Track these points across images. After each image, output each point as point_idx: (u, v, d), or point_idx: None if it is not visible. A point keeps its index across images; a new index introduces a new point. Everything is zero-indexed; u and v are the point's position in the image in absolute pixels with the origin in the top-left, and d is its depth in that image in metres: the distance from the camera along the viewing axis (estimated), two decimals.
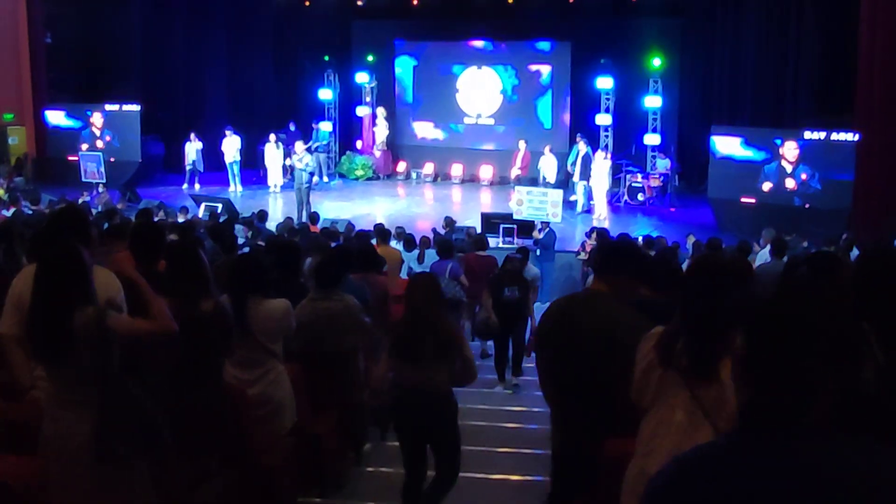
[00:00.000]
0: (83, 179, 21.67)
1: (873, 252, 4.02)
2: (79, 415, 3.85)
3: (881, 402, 3.21)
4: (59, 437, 3.87)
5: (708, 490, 1.76)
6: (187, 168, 23.98)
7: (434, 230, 16.79)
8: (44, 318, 3.88)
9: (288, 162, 22.85)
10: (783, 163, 19.37)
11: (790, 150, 19.28)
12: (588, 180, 21.73)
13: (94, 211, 16.51)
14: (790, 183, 19.28)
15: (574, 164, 21.95)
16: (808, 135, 19.08)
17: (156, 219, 14.52)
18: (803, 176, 19.11)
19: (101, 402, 3.83)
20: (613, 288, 4.41)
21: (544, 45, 26.26)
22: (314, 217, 17.59)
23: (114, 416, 3.83)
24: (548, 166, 22.23)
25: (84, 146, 23.76)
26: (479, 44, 26.81)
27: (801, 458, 1.74)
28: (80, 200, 18.35)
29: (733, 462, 1.78)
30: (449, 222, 17.20)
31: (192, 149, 23.89)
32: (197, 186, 23.64)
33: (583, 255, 15.96)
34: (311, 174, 21.06)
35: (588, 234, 16.75)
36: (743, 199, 19.64)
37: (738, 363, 1.89)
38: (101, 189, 20.75)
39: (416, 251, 13.92)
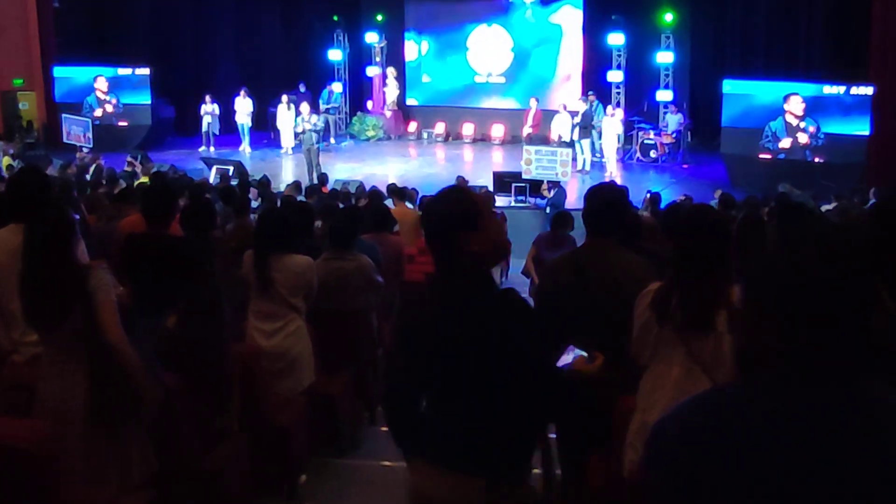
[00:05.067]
0: (65, 141, 22.01)
1: (886, 203, 3.99)
2: (74, 377, 3.85)
3: (893, 351, 3.19)
4: (56, 399, 3.87)
5: (711, 433, 1.73)
6: (203, 132, 23.96)
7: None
8: (36, 282, 3.88)
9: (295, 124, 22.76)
10: (788, 117, 19.20)
11: (795, 104, 19.09)
12: (590, 138, 21.69)
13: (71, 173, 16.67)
14: (802, 137, 19.12)
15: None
16: (826, 89, 18.86)
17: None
18: (811, 129, 18.93)
19: (91, 364, 3.83)
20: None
21: (555, 2, 25.95)
22: (323, 178, 17.55)
23: (105, 378, 3.81)
24: (562, 125, 22.08)
25: (97, 112, 23.80)
26: (492, 2, 26.49)
27: (810, 405, 1.69)
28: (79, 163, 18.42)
29: (739, 407, 1.75)
30: (461, 182, 17.17)
31: (208, 111, 23.85)
32: (212, 149, 23.59)
33: None
34: (318, 133, 20.97)
35: None
36: (761, 156, 19.48)
37: (739, 314, 1.87)
38: (84, 150, 20.87)
39: None
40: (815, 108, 18.96)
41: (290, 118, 23.36)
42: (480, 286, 2.94)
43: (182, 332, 4.48)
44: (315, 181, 18.29)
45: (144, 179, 15.44)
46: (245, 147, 23.82)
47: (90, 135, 21.76)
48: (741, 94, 19.90)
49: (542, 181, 17.56)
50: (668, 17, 23.00)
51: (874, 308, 1.80)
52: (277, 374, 5.51)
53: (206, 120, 23.90)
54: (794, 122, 19.13)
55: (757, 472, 1.66)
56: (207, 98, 23.86)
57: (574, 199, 17.96)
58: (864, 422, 1.67)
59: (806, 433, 1.67)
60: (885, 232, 3.35)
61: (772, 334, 1.77)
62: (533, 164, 18.01)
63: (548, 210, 16.53)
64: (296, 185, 16.20)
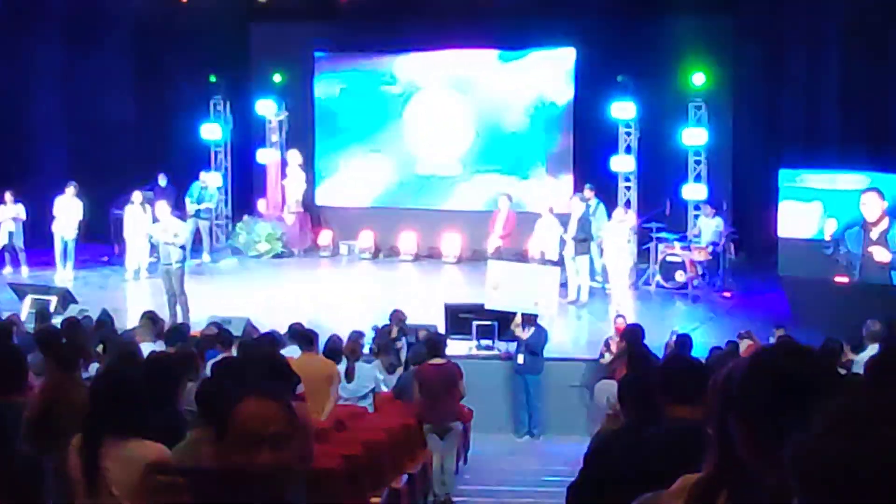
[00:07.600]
0: None
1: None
2: None
3: None
4: None
5: None
6: (3, 245, 23.80)
7: (376, 329, 16.72)
8: None
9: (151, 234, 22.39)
10: (866, 224, 19.07)
11: (872, 204, 19.10)
12: (588, 254, 21.75)
13: None
14: (881, 254, 19.25)
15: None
16: None
17: None
18: None
19: None
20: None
21: (536, 57, 26.39)
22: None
23: None
24: (546, 235, 22.23)
25: None
26: (438, 56, 26.97)
27: None
28: None
29: None
30: (398, 319, 17.09)
31: (8, 216, 23.62)
32: (24, 271, 23.56)
33: (606, 358, 15.89)
34: (183, 249, 20.73)
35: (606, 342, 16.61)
36: (836, 279, 19.47)
37: None
38: None
39: (344, 364, 13.87)
40: None
41: (143, 225, 23.16)
42: None
43: None
44: (177, 317, 18.18)
45: None
46: (68, 271, 23.48)
47: None
48: (805, 189, 20.06)
49: (513, 315, 17.44)
50: (699, 79, 23.33)
51: None
52: None
53: (7, 228, 23.60)
54: (874, 230, 19.11)
55: None
56: (8, 196, 23.53)
57: (564, 342, 18.01)
58: None
59: None
60: None
61: None
62: (500, 288, 17.95)
63: (521, 358, 16.51)
64: (149, 324, 16.02)
